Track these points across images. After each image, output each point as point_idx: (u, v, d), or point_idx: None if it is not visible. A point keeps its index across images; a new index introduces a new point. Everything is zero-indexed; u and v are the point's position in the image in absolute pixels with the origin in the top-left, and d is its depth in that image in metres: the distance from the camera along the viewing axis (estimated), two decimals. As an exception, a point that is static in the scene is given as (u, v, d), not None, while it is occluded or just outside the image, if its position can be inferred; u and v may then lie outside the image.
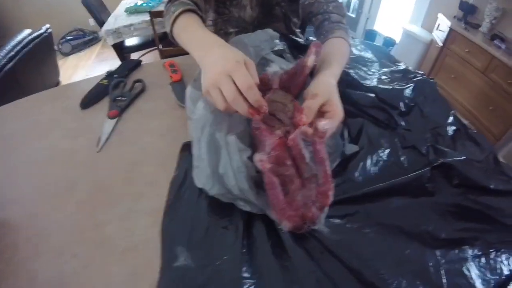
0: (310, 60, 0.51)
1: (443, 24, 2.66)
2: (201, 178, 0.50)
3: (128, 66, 0.91)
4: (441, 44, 2.65)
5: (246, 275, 0.42)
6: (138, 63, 0.93)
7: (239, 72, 0.44)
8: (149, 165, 0.62)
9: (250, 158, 0.46)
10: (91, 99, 0.79)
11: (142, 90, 0.82)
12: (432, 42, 2.86)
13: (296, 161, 0.45)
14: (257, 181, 0.47)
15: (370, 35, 3.73)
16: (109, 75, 0.88)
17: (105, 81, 0.85)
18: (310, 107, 0.48)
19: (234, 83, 0.44)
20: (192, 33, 0.57)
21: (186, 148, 0.62)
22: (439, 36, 2.73)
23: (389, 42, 3.41)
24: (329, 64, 0.58)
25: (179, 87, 0.81)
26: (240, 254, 0.44)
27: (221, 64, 0.45)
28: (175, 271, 0.44)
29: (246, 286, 0.41)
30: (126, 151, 0.65)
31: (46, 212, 0.53)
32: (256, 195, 0.46)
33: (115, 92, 0.80)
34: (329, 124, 0.47)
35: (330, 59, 0.60)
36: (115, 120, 0.72)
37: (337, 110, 0.50)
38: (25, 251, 0.47)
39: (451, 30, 2.53)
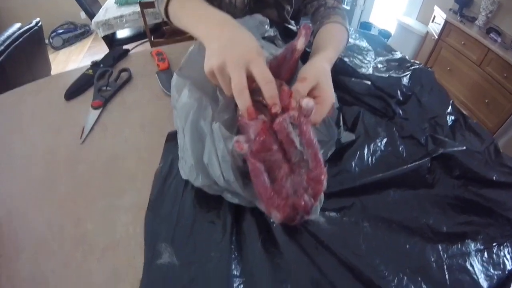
0: (299, 43, 0.48)
1: (439, 16, 2.64)
2: (186, 169, 0.47)
3: (115, 55, 0.87)
4: (437, 37, 2.63)
5: (235, 273, 0.39)
6: (125, 52, 0.89)
7: (260, 64, 0.42)
8: (132, 157, 0.59)
9: None
10: (75, 90, 0.75)
11: (128, 80, 0.79)
12: (427, 34, 2.85)
13: (284, 146, 0.42)
14: (245, 172, 0.44)
15: (365, 27, 3.71)
16: (95, 65, 0.84)
17: (90, 71, 0.81)
18: (298, 91, 0.45)
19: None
20: (192, 9, 0.54)
21: (172, 137, 0.58)
22: (434, 28, 2.71)
23: (384, 35, 3.39)
24: (324, 48, 0.56)
25: (165, 75, 0.78)
26: (229, 251, 0.41)
27: (241, 51, 0.42)
28: (158, 269, 0.41)
29: (235, 285, 0.38)
30: (109, 143, 0.62)
31: (26, 209, 0.51)
32: (244, 186, 0.43)
33: (100, 82, 0.76)
34: (319, 109, 0.45)
35: (325, 44, 0.57)
36: (99, 110, 0.69)
37: (327, 95, 0.47)
38: (4, 249, 0.45)
39: (446, 22, 2.52)
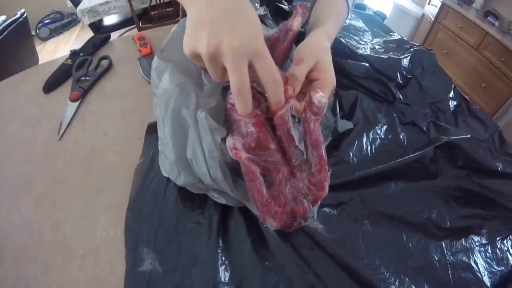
0: (295, 22, 0.43)
1: (435, -2, 2.58)
2: (166, 165, 0.42)
3: (95, 43, 0.81)
4: (433, 19, 2.58)
5: (223, 279, 0.36)
6: (106, 38, 0.84)
7: (267, 58, 0.32)
8: (111, 152, 0.55)
9: (224, 139, 0.38)
10: (54, 81, 0.71)
11: (108, 68, 0.73)
12: (423, 17, 2.79)
13: (282, 144, 0.36)
14: (235, 168, 0.39)
15: (359, 9, 3.62)
16: (74, 54, 0.79)
17: (69, 61, 0.76)
18: (295, 75, 0.37)
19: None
20: None
21: (153, 129, 0.54)
22: (430, 11, 2.65)
23: (379, 17, 3.31)
24: (322, 22, 0.49)
25: (147, 61, 0.73)
26: (215, 254, 0.38)
27: (244, 33, 0.30)
28: (140, 276, 0.37)
29: (223, 293, 0.35)
30: (87, 137, 0.58)
31: (3, 212, 0.48)
32: (233, 185, 0.38)
33: (79, 72, 0.71)
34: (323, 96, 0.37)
35: (323, 18, 0.50)
36: (77, 103, 0.64)
37: (328, 77, 0.40)
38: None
39: (443, 4, 2.46)
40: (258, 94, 0.38)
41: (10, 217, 0.47)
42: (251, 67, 0.31)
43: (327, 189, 0.35)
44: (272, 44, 0.45)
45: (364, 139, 0.52)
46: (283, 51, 0.45)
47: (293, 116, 0.36)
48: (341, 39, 0.70)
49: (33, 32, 2.87)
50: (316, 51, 0.41)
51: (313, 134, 0.34)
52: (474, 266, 0.40)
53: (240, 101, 0.32)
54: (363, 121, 0.55)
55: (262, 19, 0.57)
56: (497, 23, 2.10)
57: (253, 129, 0.33)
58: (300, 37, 0.46)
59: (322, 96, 0.34)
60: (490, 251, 0.42)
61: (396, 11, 3.04)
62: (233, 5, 0.31)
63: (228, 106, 0.37)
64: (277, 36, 0.45)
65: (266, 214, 0.34)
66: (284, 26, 0.45)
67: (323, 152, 0.34)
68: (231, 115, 0.36)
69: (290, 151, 0.36)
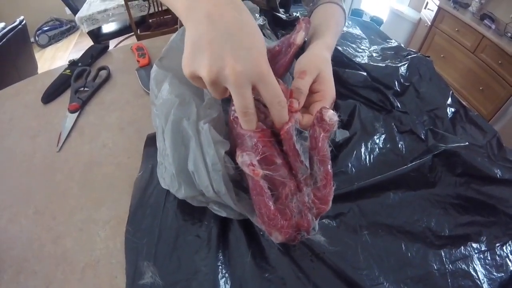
0: (299, 37, 0.43)
1: (432, 3, 2.60)
2: (166, 178, 0.42)
3: (93, 53, 0.81)
4: (430, 23, 2.59)
5: (222, 293, 0.36)
6: (104, 48, 0.84)
7: (272, 82, 0.30)
8: (109, 164, 0.55)
9: (227, 152, 0.38)
10: (52, 92, 0.71)
11: (107, 79, 0.74)
12: (420, 21, 2.81)
13: (288, 159, 0.36)
14: (236, 180, 0.39)
15: (356, 14, 3.63)
16: (72, 64, 0.79)
17: (68, 71, 0.76)
18: (299, 89, 0.38)
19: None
20: None
21: (151, 142, 0.54)
22: (427, 15, 2.67)
23: (376, 22, 3.33)
24: (322, 33, 0.49)
25: (145, 72, 0.73)
26: (216, 268, 0.38)
27: (248, 58, 0.28)
28: (141, 290, 0.37)
29: (223, 306, 0.35)
30: (86, 149, 0.58)
31: (3, 223, 0.48)
32: (236, 198, 0.38)
33: (78, 83, 0.72)
34: (319, 106, 0.37)
35: (322, 28, 0.51)
36: (76, 114, 0.64)
37: (329, 89, 0.40)
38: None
39: (439, 9, 2.48)
40: (263, 107, 0.38)
41: (10, 229, 0.47)
42: (254, 89, 0.30)
43: (330, 203, 0.35)
44: (273, 56, 0.45)
45: (363, 149, 0.52)
46: (284, 65, 0.45)
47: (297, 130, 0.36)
48: (339, 47, 0.71)
49: (32, 39, 2.88)
50: (318, 63, 0.41)
51: (321, 150, 0.34)
52: (473, 273, 0.40)
53: (246, 122, 0.32)
54: (361, 131, 0.55)
55: (261, 29, 0.57)
56: (493, 26, 2.11)
57: (259, 144, 0.33)
58: (301, 48, 0.46)
59: (333, 114, 0.34)
60: (489, 258, 0.42)
61: (392, 16, 3.06)
62: (235, 24, 0.29)
63: (232, 118, 0.37)
64: (279, 49, 0.45)
65: (272, 228, 0.34)
66: (286, 40, 0.45)
67: (329, 167, 0.34)
68: (235, 128, 0.36)
69: (296, 165, 0.36)
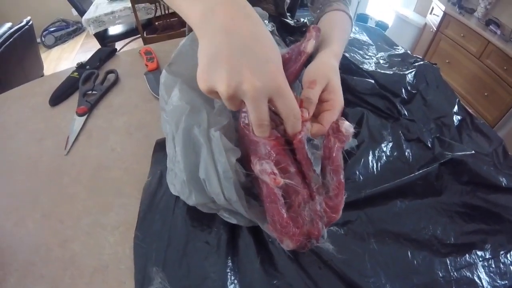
0: (309, 45, 0.43)
1: (437, 8, 2.59)
2: (176, 184, 0.42)
3: (101, 56, 0.82)
4: (435, 29, 2.59)
5: (231, 299, 0.36)
6: (112, 51, 0.85)
7: (288, 96, 0.31)
8: (118, 168, 0.55)
9: (238, 159, 0.38)
10: (60, 94, 0.71)
11: (115, 82, 0.74)
12: (425, 26, 2.80)
13: (302, 168, 0.36)
14: (247, 187, 0.39)
15: (361, 19, 3.64)
16: (80, 67, 0.79)
17: (75, 74, 0.76)
18: (310, 98, 0.38)
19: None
20: None
21: (160, 147, 0.54)
22: (433, 20, 2.67)
23: (381, 26, 3.33)
24: (329, 42, 0.49)
25: (154, 76, 0.73)
26: (225, 274, 0.38)
27: (265, 73, 0.29)
28: (149, 295, 0.37)
29: (232, 312, 0.35)
30: (94, 153, 0.58)
31: (9, 227, 0.48)
32: (247, 205, 0.38)
33: (86, 86, 0.72)
34: (328, 116, 0.38)
35: (330, 36, 0.51)
36: (84, 117, 0.65)
37: (338, 98, 0.40)
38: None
39: (445, 14, 2.47)
40: (274, 114, 0.38)
41: (17, 233, 0.47)
42: (270, 101, 0.31)
43: (341, 212, 0.35)
44: (283, 63, 0.45)
45: (370, 157, 0.53)
46: (294, 72, 0.45)
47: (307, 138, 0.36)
48: (346, 54, 0.71)
49: (38, 40, 2.90)
50: (327, 72, 0.41)
51: (335, 160, 0.34)
52: (478, 281, 0.40)
53: (260, 132, 0.32)
54: (369, 139, 0.55)
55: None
56: (498, 32, 2.11)
57: (273, 152, 0.34)
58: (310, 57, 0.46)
59: (350, 126, 0.34)
60: (493, 266, 0.42)
61: (398, 21, 3.05)
62: (251, 37, 0.29)
63: (242, 125, 0.37)
64: (289, 57, 0.45)
65: (284, 235, 0.34)
66: (296, 47, 0.45)
67: (342, 177, 0.35)
68: (247, 135, 0.36)
69: (310, 174, 0.36)
